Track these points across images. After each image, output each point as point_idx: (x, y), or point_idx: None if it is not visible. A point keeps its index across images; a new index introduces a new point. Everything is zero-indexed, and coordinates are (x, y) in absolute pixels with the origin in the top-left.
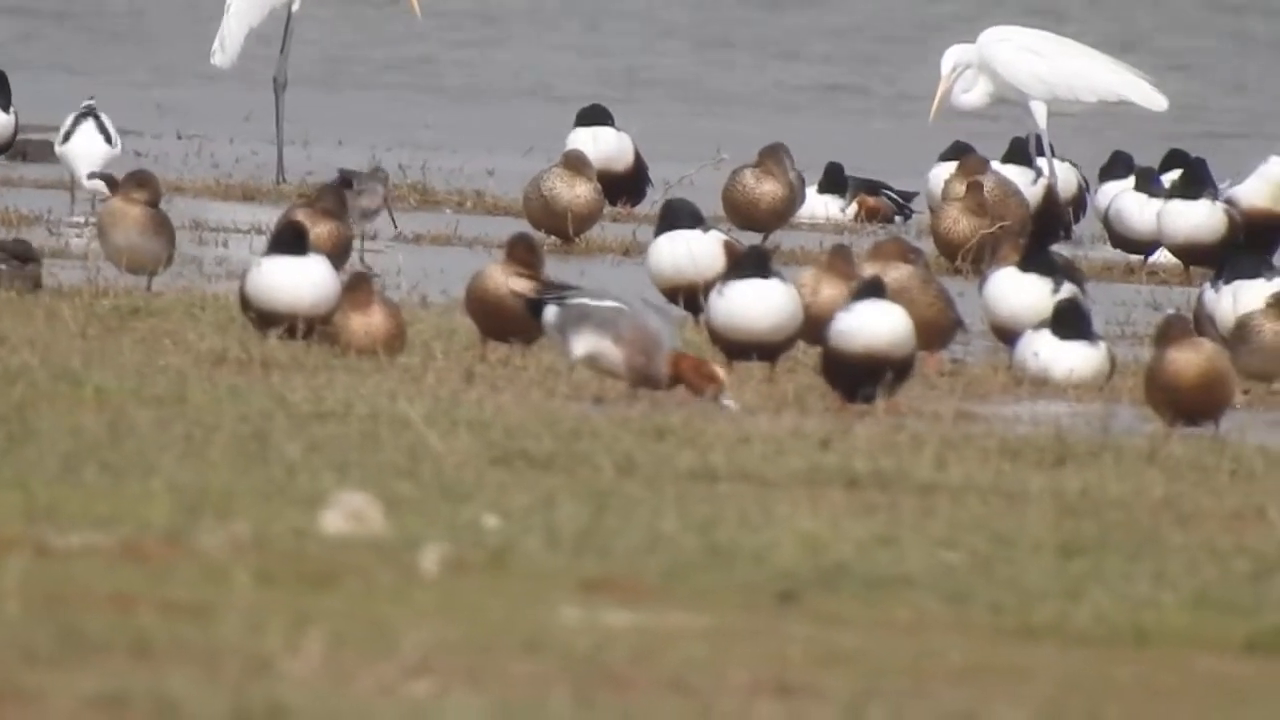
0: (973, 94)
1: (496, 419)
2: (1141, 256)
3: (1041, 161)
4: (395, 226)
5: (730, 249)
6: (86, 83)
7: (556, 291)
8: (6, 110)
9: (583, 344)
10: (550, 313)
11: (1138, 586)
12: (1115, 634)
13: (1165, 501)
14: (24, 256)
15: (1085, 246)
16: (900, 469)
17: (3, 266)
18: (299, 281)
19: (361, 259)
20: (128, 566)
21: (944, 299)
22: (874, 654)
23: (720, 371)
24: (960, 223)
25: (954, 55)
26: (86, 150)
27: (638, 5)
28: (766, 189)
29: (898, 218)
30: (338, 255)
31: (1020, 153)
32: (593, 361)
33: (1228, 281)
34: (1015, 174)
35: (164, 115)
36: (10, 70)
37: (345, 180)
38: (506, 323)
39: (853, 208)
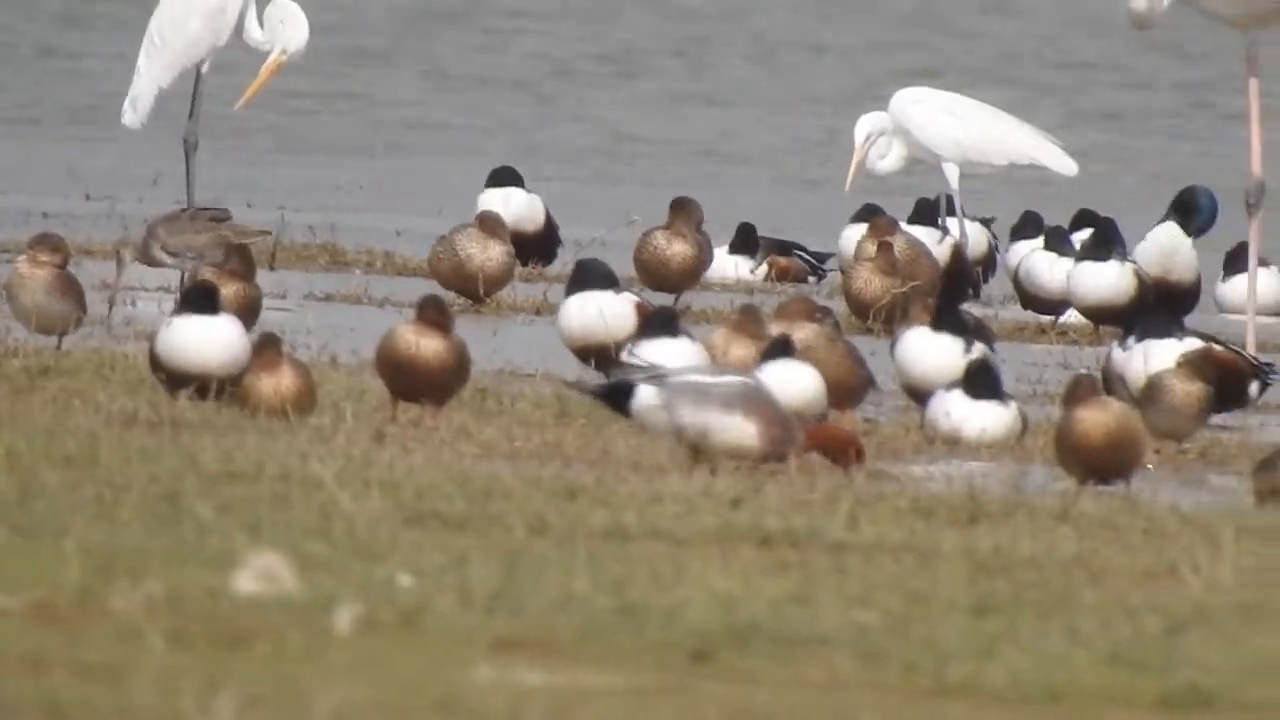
0: (888, 159)
1: (408, 479)
2: (1052, 317)
3: (952, 222)
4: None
5: (641, 310)
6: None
7: (641, 373)
8: None
9: (706, 422)
10: (648, 394)
11: (1051, 644)
12: (1029, 692)
13: (1078, 559)
14: None
15: (996, 306)
16: (812, 527)
17: None
18: (209, 341)
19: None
20: (39, 628)
21: (852, 357)
22: (788, 713)
23: (861, 439)
24: (872, 283)
25: (867, 123)
26: None
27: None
28: (677, 249)
29: (811, 278)
30: (247, 315)
31: (926, 213)
32: (715, 440)
33: (1139, 340)
34: (922, 234)
35: (74, 178)
36: None
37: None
38: (417, 383)
39: (763, 268)
